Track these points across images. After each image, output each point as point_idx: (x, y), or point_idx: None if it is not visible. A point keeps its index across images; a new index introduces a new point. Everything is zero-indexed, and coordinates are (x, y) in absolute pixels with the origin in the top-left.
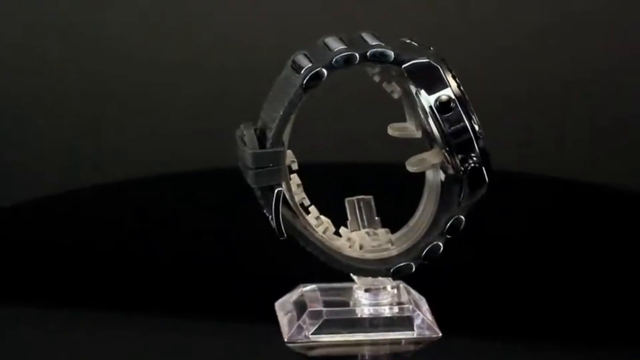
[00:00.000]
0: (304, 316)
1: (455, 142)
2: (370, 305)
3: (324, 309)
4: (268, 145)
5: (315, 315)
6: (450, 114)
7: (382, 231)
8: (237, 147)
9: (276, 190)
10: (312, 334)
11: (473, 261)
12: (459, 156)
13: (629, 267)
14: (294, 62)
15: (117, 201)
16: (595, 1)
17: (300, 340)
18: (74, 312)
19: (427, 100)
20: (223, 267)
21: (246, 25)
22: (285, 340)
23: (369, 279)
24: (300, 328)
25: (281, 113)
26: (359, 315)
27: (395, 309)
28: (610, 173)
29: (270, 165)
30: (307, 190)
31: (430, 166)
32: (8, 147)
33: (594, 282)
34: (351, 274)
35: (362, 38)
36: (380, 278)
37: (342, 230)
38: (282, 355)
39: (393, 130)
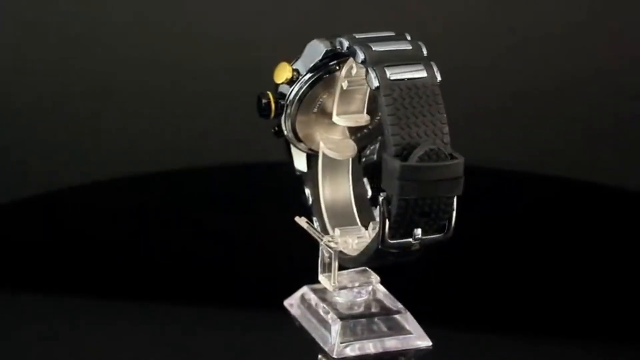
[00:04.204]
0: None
1: None
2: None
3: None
4: (449, 153)
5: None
6: None
7: (339, 230)
8: (426, 170)
9: None
10: None
11: (472, 260)
12: None
13: (629, 267)
14: (393, 80)
15: (116, 200)
16: (596, 1)
17: None
18: (73, 312)
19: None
20: (223, 267)
21: (246, 25)
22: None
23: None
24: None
25: (444, 116)
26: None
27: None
28: (610, 173)
29: None
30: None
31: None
32: (8, 146)
33: (594, 282)
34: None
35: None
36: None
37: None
38: (282, 355)
39: (345, 119)
